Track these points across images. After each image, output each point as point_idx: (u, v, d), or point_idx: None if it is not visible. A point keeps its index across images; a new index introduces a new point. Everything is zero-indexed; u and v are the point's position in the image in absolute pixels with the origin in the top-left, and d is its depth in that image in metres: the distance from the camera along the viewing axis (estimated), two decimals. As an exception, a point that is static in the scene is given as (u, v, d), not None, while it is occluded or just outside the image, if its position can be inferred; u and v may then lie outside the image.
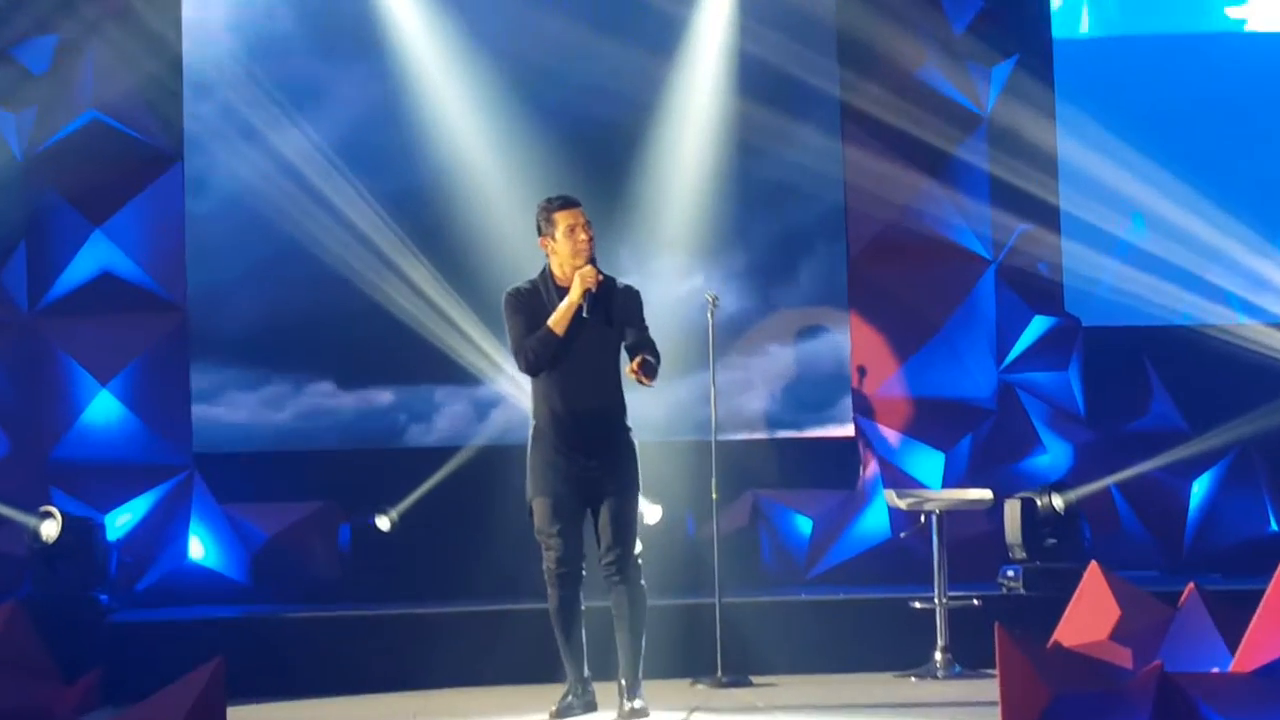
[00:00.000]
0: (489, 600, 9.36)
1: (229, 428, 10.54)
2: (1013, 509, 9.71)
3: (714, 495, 8.60)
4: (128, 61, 10.37)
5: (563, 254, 7.08)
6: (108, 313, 10.39)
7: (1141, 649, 5.63)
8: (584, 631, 7.15)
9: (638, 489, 7.17)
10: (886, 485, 10.47)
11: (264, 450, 10.52)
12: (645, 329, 7.14)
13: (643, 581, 7.14)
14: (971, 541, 10.13)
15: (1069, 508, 9.66)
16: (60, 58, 10.41)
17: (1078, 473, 10.66)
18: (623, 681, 7.09)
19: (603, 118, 10.60)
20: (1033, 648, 5.61)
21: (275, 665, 8.62)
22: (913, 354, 10.98)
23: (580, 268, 7.04)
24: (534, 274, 7.20)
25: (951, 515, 8.91)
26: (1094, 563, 6.15)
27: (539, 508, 7.10)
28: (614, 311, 7.10)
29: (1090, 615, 5.90)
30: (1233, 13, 11.57)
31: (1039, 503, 9.68)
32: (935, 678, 8.51)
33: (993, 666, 5.52)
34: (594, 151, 10.46)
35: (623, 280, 7.28)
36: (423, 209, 10.54)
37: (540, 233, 7.14)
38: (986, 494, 8.92)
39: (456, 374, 10.47)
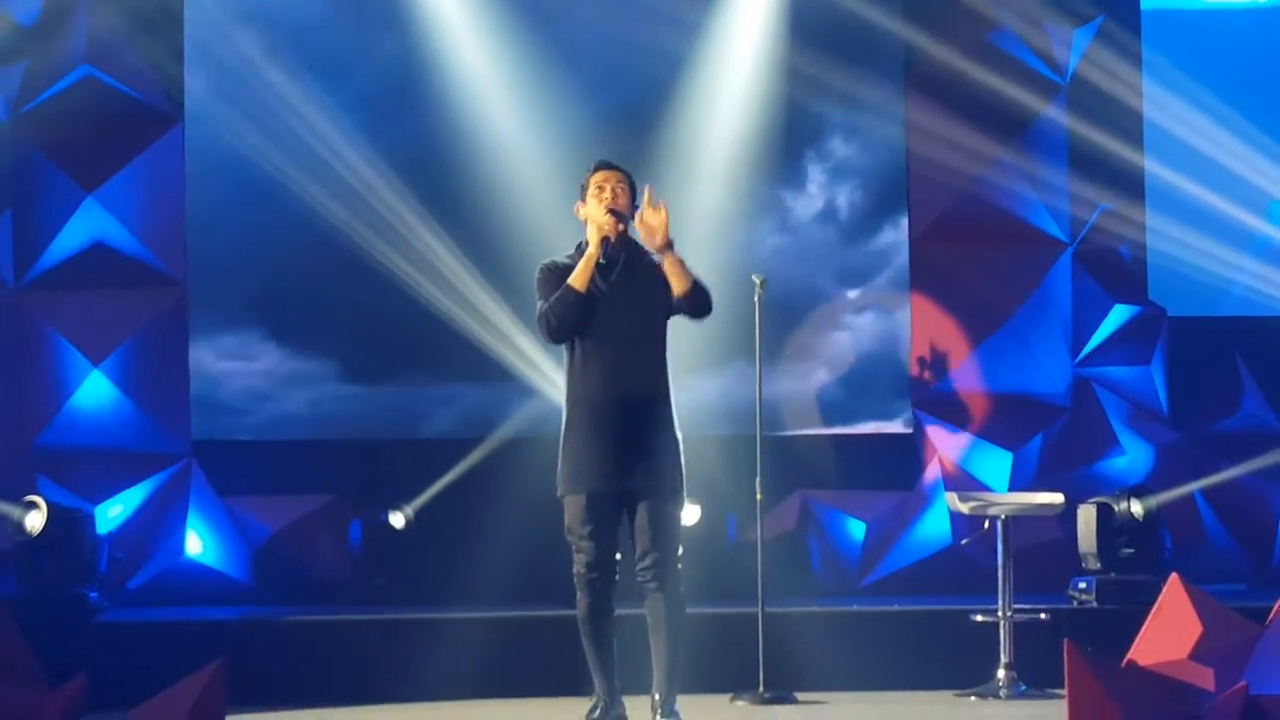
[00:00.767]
0: (510, 605, 9.41)
1: (231, 413, 10.60)
2: (1086, 515, 9.72)
3: (759, 496, 8.63)
4: (125, 13, 10.40)
5: (592, 215, 7.12)
6: (100, 287, 10.46)
7: (1225, 669, 5.63)
8: (615, 641, 7.19)
9: (681, 488, 7.18)
10: (948, 487, 10.49)
11: (268, 439, 10.58)
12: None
13: (682, 589, 7.16)
14: (1040, 550, 10.14)
15: (1148, 515, 9.67)
16: (51, 8, 10.46)
17: (1159, 476, 10.66)
18: (656, 696, 7.13)
19: (636, 79, 10.61)
20: (1105, 666, 5.63)
21: (278, 671, 8.70)
22: (979, 344, 10.99)
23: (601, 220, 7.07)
24: (570, 249, 7.23)
25: (1019, 521, 8.92)
26: (1174, 575, 6.14)
27: (570, 505, 7.13)
28: (644, 281, 7.10)
29: (1169, 632, 5.91)
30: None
31: (1116, 509, 9.69)
32: (998, 697, 8.53)
33: (1061, 686, 5.56)
34: (626, 116, 10.49)
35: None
36: (442, 179, 10.58)
37: (581, 199, 7.20)
38: (1058, 498, 8.92)
39: (479, 360, 10.49)
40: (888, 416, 11.02)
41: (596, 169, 7.19)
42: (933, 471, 10.88)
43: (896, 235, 11.01)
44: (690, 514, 9.70)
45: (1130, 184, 10.97)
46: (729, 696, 8.50)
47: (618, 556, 7.14)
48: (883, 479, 10.97)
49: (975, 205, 10.93)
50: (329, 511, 10.52)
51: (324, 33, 10.67)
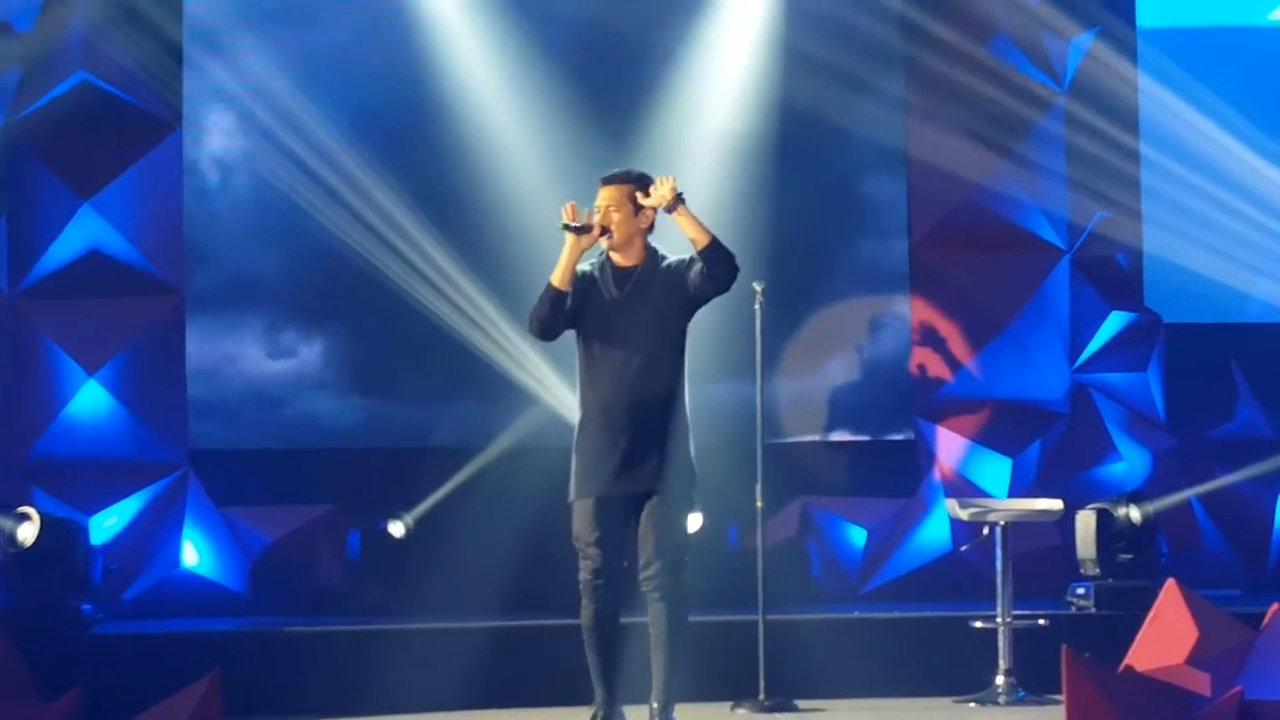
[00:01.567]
0: (509, 615, 9.42)
1: (228, 423, 10.60)
2: (1085, 521, 9.75)
3: (759, 503, 8.66)
4: (122, 18, 10.40)
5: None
6: (96, 295, 10.47)
7: (1221, 674, 5.67)
8: (621, 649, 7.20)
9: (692, 497, 7.20)
10: (948, 494, 10.52)
11: (266, 448, 10.58)
12: None
13: (687, 600, 7.17)
14: (1039, 555, 10.17)
15: (1146, 520, 9.70)
16: (47, 13, 10.46)
17: (1156, 482, 10.69)
18: (654, 705, 7.16)
19: (626, 75, 10.64)
20: (1103, 672, 5.66)
21: (275, 683, 8.69)
22: (979, 350, 11.01)
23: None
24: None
25: (1018, 527, 8.95)
26: (1171, 580, 6.19)
27: (578, 511, 7.15)
28: (661, 288, 7.14)
29: (1166, 637, 5.94)
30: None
31: (1114, 514, 9.72)
32: (997, 703, 8.56)
33: (1059, 692, 5.59)
34: (621, 118, 10.51)
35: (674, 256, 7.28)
36: (440, 185, 10.58)
37: None
38: (1056, 504, 8.95)
39: (479, 369, 10.49)
40: (888, 423, 11.04)
41: (601, 183, 7.26)
42: (933, 478, 10.91)
43: (896, 244, 11.03)
44: (692, 521, 9.71)
45: (1127, 191, 11.00)
46: (729, 704, 8.52)
47: (625, 564, 7.17)
48: (883, 485, 10.99)
49: (974, 212, 10.96)
50: (327, 521, 10.53)
51: (321, 37, 10.68)
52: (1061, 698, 5.52)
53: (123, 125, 10.52)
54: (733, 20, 10.84)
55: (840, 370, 11.03)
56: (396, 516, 10.31)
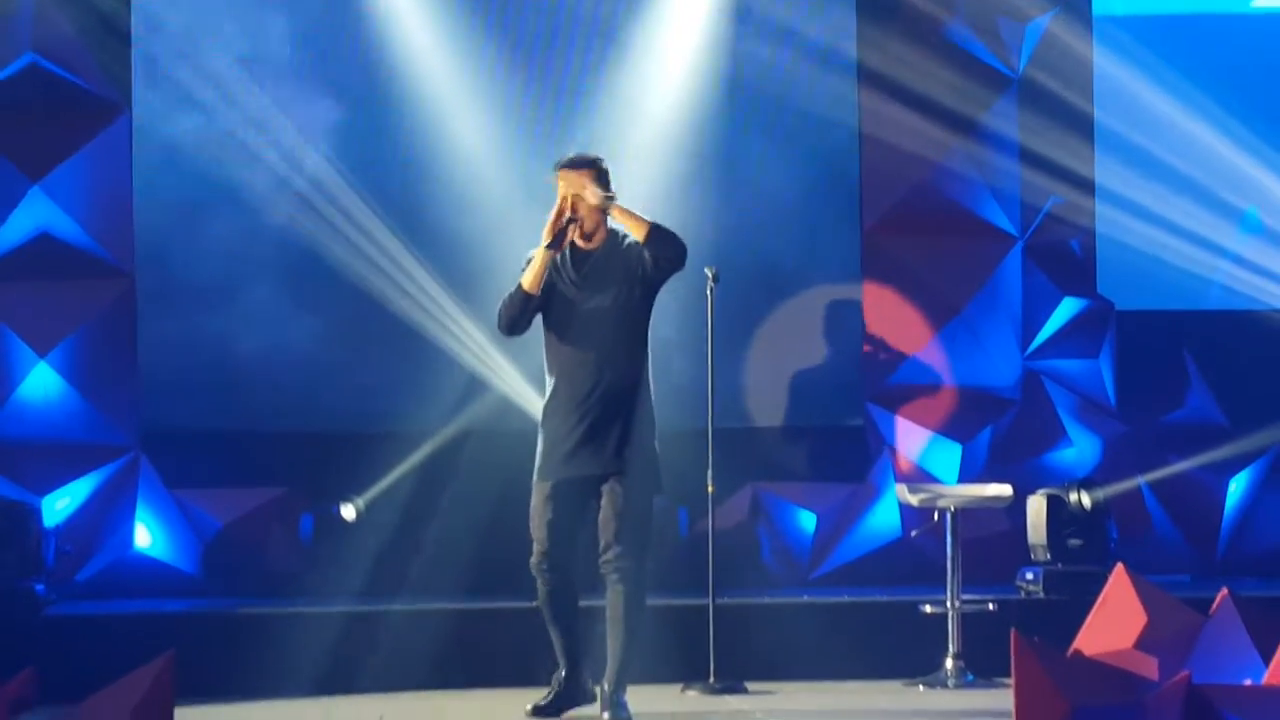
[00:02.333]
0: (465, 598, 9.44)
1: (180, 406, 10.56)
2: (1037, 506, 9.80)
3: (710, 488, 8.69)
4: (70, 0, 10.36)
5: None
6: (46, 278, 10.40)
7: (1169, 659, 5.73)
8: (578, 625, 7.23)
9: (654, 483, 7.23)
10: (898, 479, 10.57)
11: (218, 430, 10.54)
12: None
13: (644, 585, 7.20)
14: (988, 541, 10.22)
15: (1096, 506, 9.76)
16: (-7, -4, 10.44)
17: (1106, 468, 10.76)
18: (605, 687, 7.20)
19: (573, 53, 10.64)
20: (1051, 656, 5.70)
21: (228, 664, 8.70)
22: (931, 337, 11.05)
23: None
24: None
25: (968, 513, 9.01)
26: (1120, 565, 6.24)
27: (536, 493, 7.22)
28: (621, 270, 7.16)
29: (1114, 622, 6.00)
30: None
31: (1065, 500, 9.77)
32: (946, 687, 8.62)
33: (1008, 675, 5.62)
34: (567, 97, 10.52)
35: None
36: (389, 165, 10.58)
37: None
38: (1006, 490, 9.02)
39: (432, 353, 10.47)
40: (838, 409, 11.06)
41: (555, 169, 7.27)
42: (883, 463, 10.95)
43: (849, 230, 11.05)
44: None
45: (1080, 177, 11.05)
46: (680, 687, 8.56)
47: (580, 546, 7.21)
48: (833, 471, 11.02)
49: (927, 197, 10.99)
50: (280, 504, 10.50)
51: (276, 21, 10.64)
52: (1010, 681, 5.56)
53: (72, 107, 10.44)
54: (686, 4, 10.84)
55: (792, 355, 11.03)
56: (348, 500, 10.30)
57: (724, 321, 8.87)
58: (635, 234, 7.09)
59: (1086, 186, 11.08)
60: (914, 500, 9.00)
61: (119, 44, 10.50)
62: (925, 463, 10.92)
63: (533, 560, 7.22)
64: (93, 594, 10.04)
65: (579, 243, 7.23)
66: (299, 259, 10.47)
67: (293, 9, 10.66)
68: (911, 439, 10.99)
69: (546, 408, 7.24)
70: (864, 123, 10.97)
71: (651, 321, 7.27)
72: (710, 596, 8.60)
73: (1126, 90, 11.03)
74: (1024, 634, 5.58)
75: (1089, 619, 6.17)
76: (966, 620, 8.73)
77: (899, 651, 8.91)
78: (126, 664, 5.54)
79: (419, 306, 10.44)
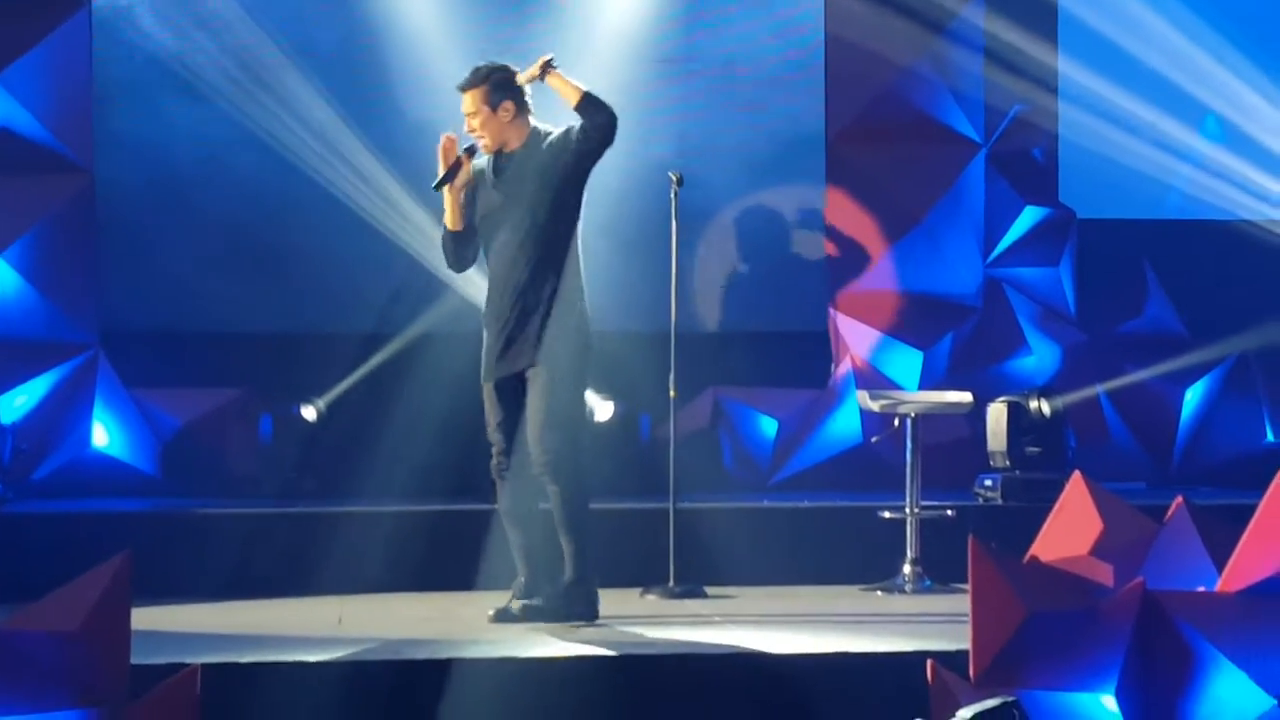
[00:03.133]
0: (422, 500, 9.44)
1: (139, 303, 10.51)
2: (997, 413, 9.83)
3: (672, 393, 8.67)
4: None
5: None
6: (4, 174, 10.31)
7: (1124, 566, 5.75)
8: (536, 527, 7.25)
9: (578, 369, 7.23)
10: (859, 385, 10.58)
11: (178, 329, 10.51)
12: None
13: (581, 480, 7.21)
14: (948, 448, 10.24)
15: (1055, 414, 9.80)
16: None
17: (1065, 377, 10.80)
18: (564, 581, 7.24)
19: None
20: (1008, 562, 5.73)
21: (185, 564, 8.67)
22: (893, 243, 11.05)
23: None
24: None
25: (928, 419, 9.04)
26: (1077, 473, 6.26)
27: (485, 397, 7.28)
28: (541, 164, 7.16)
29: (1071, 529, 6.02)
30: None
31: (1024, 407, 9.81)
32: (903, 592, 8.67)
33: (965, 581, 5.65)
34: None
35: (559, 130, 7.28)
36: (359, 71, 10.55)
37: None
38: (966, 397, 9.04)
39: (393, 253, 10.46)
40: (801, 315, 11.08)
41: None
42: (844, 369, 10.97)
43: (812, 135, 11.01)
44: (604, 410, 9.77)
45: (1044, 85, 11.03)
46: (639, 590, 8.58)
47: None
48: (795, 376, 11.05)
49: (892, 104, 10.96)
50: (239, 404, 10.49)
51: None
52: (967, 587, 5.59)
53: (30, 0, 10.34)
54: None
55: (754, 261, 11.04)
56: (309, 400, 10.29)
57: (687, 226, 8.83)
58: (569, 99, 7.12)
59: (1050, 93, 11.05)
60: (875, 406, 9.02)
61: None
62: (886, 369, 10.94)
63: (492, 464, 7.30)
64: (49, 493, 10.03)
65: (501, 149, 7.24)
66: (263, 160, 10.40)
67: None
68: (872, 345, 11.00)
69: (484, 311, 7.31)
70: (830, 27, 10.91)
71: (581, 215, 7.26)
72: (671, 501, 8.62)
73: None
74: (981, 540, 5.61)
75: (1046, 526, 6.19)
76: (925, 526, 8.77)
77: (857, 556, 8.95)
78: (83, 564, 5.52)
79: (388, 209, 10.40)
